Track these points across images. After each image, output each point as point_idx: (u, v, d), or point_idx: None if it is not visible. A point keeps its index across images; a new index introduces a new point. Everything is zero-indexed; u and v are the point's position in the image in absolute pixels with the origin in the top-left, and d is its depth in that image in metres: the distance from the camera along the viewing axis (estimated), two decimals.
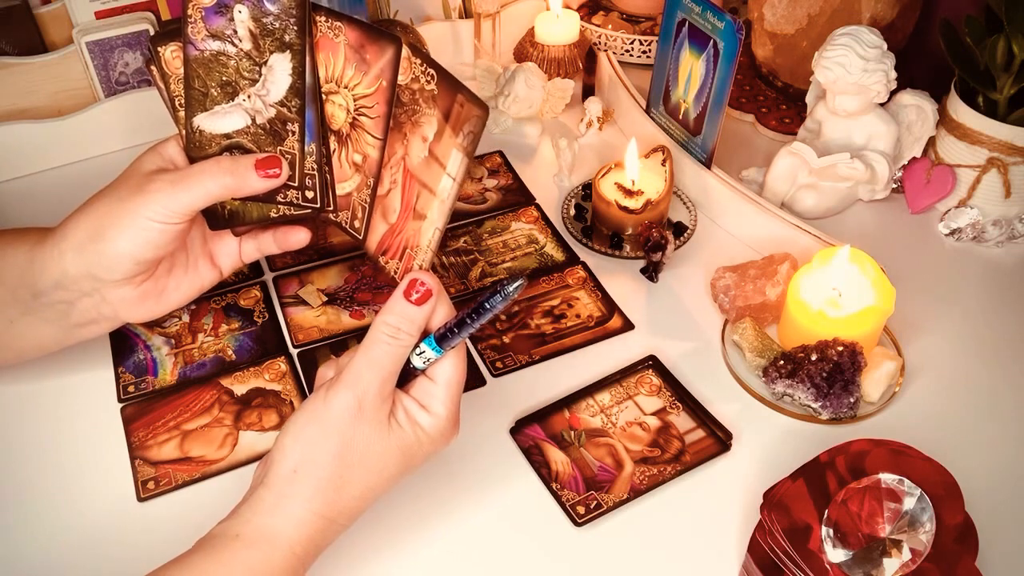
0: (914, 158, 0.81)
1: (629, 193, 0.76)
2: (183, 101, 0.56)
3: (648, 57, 1.00)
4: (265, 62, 0.54)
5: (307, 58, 0.53)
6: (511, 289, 0.48)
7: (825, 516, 0.47)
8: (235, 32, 0.54)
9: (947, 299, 0.73)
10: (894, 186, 0.81)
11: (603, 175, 0.78)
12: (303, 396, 0.64)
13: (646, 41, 0.99)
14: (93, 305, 0.57)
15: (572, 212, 0.80)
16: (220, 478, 0.59)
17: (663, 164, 0.78)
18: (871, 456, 0.50)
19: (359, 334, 0.68)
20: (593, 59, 0.95)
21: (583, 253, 0.76)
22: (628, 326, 0.70)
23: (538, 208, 0.81)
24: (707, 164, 0.79)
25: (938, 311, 0.71)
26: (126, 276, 0.55)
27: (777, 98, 0.95)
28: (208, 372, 0.66)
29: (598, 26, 1.00)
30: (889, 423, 0.63)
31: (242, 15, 0.53)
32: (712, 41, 0.74)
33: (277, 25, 0.53)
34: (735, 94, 0.95)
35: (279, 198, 0.58)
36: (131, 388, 0.64)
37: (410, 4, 0.96)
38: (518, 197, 0.83)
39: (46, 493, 0.58)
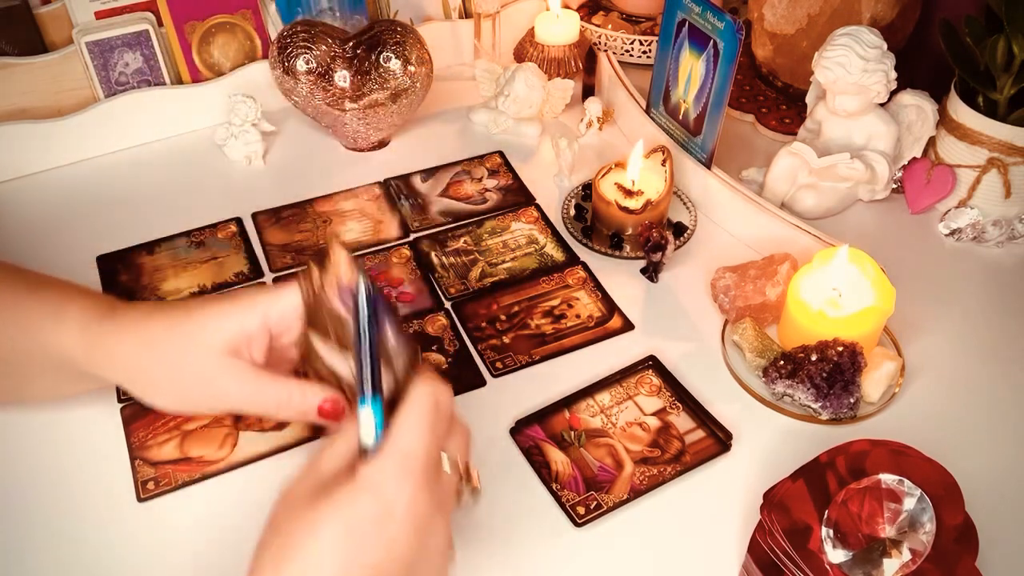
0: (914, 158, 0.81)
1: (629, 193, 0.76)
2: (309, 315, 0.52)
3: (648, 57, 1.00)
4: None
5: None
6: (362, 290, 0.45)
7: (825, 516, 0.47)
8: (375, 315, 0.48)
9: (947, 299, 0.73)
10: (894, 186, 0.81)
11: (603, 175, 0.78)
12: None
13: (646, 41, 0.99)
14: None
15: (572, 212, 0.80)
16: (220, 478, 0.59)
17: (663, 164, 0.78)
18: (871, 456, 0.50)
19: None
20: (593, 59, 0.95)
21: (583, 253, 0.76)
22: (628, 326, 0.70)
23: (538, 208, 0.81)
24: (707, 164, 0.79)
25: (938, 311, 0.71)
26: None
27: (777, 98, 0.95)
28: None
29: (598, 26, 1.00)
30: (889, 423, 0.63)
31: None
32: (712, 41, 0.74)
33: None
34: (735, 94, 0.95)
35: None
36: None
37: (410, 4, 0.96)
38: (518, 197, 0.83)
39: (46, 493, 0.58)
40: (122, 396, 0.64)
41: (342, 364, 0.51)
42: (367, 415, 0.44)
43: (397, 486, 0.41)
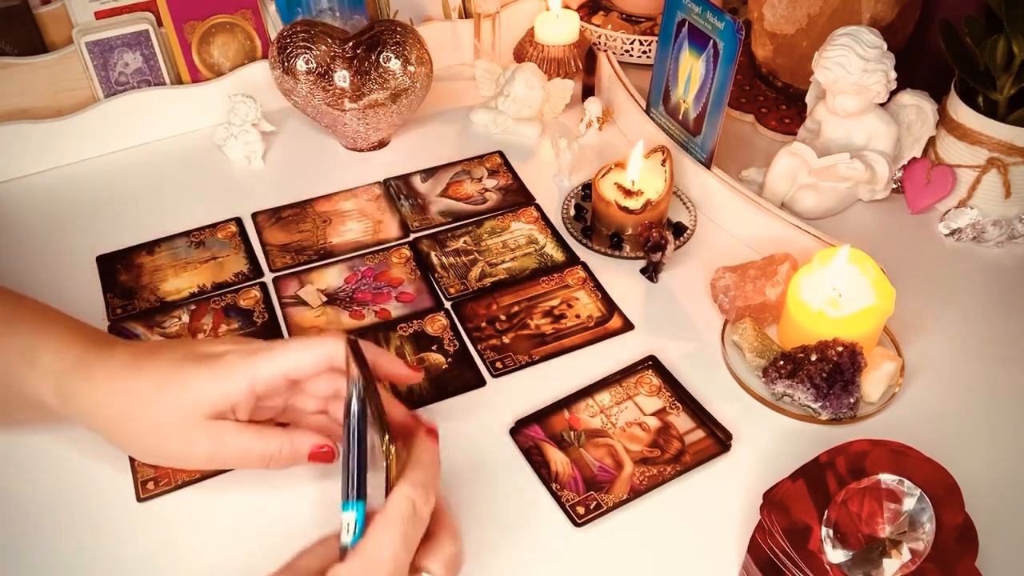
0: (914, 158, 0.81)
1: (629, 193, 0.76)
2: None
3: (648, 57, 1.00)
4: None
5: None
6: (354, 403, 0.46)
7: (825, 516, 0.47)
8: (365, 419, 0.48)
9: (947, 299, 0.73)
10: (894, 186, 0.81)
11: (603, 175, 0.78)
12: None
13: (646, 41, 0.99)
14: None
15: (572, 212, 0.80)
16: (220, 478, 0.59)
17: (663, 164, 0.78)
18: (871, 456, 0.50)
19: (357, 334, 0.68)
20: (593, 59, 0.95)
21: (583, 253, 0.76)
22: (628, 326, 0.70)
23: (538, 208, 0.81)
24: (707, 164, 0.79)
25: (938, 311, 0.71)
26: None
27: (777, 98, 0.95)
28: None
29: (598, 26, 1.00)
30: (889, 423, 0.63)
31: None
32: (712, 41, 0.74)
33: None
34: (735, 94, 0.95)
35: None
36: None
37: (410, 4, 0.96)
38: (518, 197, 0.83)
39: (46, 493, 0.58)
40: None
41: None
42: (349, 518, 0.44)
43: None
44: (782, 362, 0.63)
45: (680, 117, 0.81)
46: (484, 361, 0.67)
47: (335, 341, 0.52)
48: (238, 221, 0.80)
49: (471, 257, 0.76)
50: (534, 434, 0.62)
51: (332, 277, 0.74)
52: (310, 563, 0.44)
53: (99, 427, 0.52)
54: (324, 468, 0.59)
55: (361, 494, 0.45)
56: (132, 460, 0.60)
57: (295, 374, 0.53)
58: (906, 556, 0.45)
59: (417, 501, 0.44)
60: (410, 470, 0.45)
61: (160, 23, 0.87)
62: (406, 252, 0.77)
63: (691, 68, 0.77)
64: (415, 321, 0.70)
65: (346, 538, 0.44)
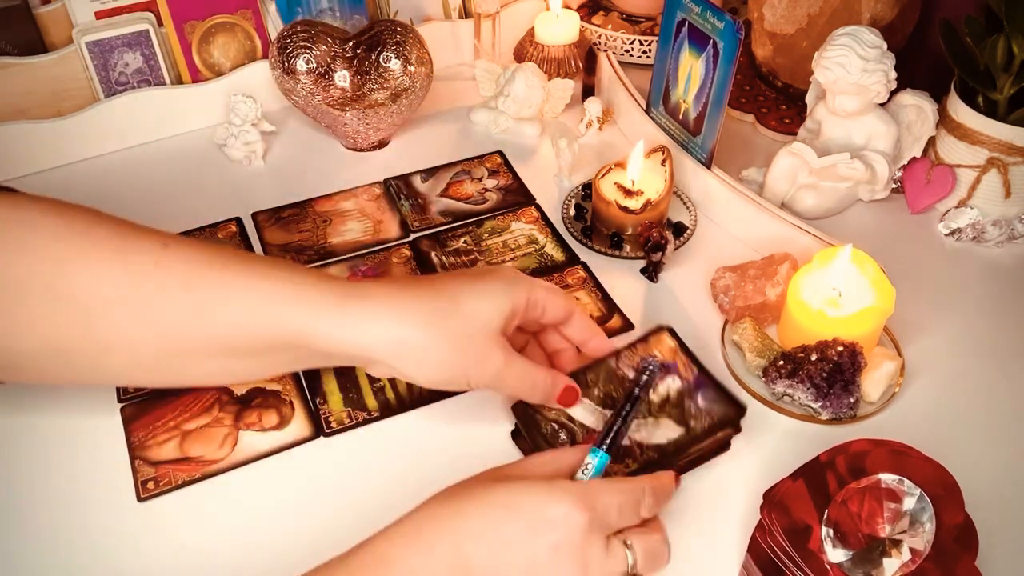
0: (914, 158, 0.81)
1: (629, 193, 0.76)
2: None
3: (648, 57, 1.00)
4: (655, 420, 0.57)
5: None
6: (652, 371, 0.56)
7: (825, 516, 0.47)
8: (650, 390, 0.57)
9: (947, 299, 0.73)
10: (894, 186, 0.81)
11: (603, 175, 0.78)
12: (303, 396, 0.64)
13: (646, 41, 0.99)
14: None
15: (572, 212, 0.80)
16: (220, 478, 0.59)
17: (663, 164, 0.78)
18: (871, 456, 0.50)
19: None
20: (593, 59, 0.95)
21: (583, 253, 0.76)
22: (628, 326, 0.70)
23: (538, 208, 0.81)
24: (707, 164, 0.79)
25: (938, 311, 0.71)
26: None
27: (777, 98, 0.95)
28: None
29: (598, 26, 1.00)
30: (889, 423, 0.63)
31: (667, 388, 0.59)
32: (712, 41, 0.74)
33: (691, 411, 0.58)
34: (735, 94, 0.95)
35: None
36: (131, 388, 0.64)
37: (410, 4, 0.96)
38: (518, 197, 0.83)
39: (46, 493, 0.58)
40: (122, 396, 0.64)
41: (586, 413, 0.58)
42: (592, 460, 0.50)
43: (565, 511, 0.44)
44: (782, 362, 0.63)
45: (680, 117, 0.81)
46: None
47: (573, 302, 0.59)
48: (238, 221, 0.80)
49: (471, 257, 0.76)
50: None
51: None
52: (541, 469, 0.49)
53: (389, 349, 0.52)
54: (322, 468, 0.59)
55: (611, 448, 0.52)
56: (132, 460, 0.60)
57: (551, 312, 0.57)
58: (906, 556, 0.45)
59: (647, 491, 0.48)
60: (653, 477, 0.50)
61: (160, 23, 0.87)
62: (406, 252, 0.77)
63: (691, 68, 0.77)
64: None
65: (580, 476, 0.50)
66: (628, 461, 0.55)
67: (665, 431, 0.56)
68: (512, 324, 0.55)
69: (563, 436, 0.57)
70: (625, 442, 0.55)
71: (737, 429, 0.58)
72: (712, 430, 0.57)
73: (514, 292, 0.54)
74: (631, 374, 0.59)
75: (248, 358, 0.54)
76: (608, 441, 0.52)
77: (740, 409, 0.58)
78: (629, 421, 0.54)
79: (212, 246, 0.54)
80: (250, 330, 0.51)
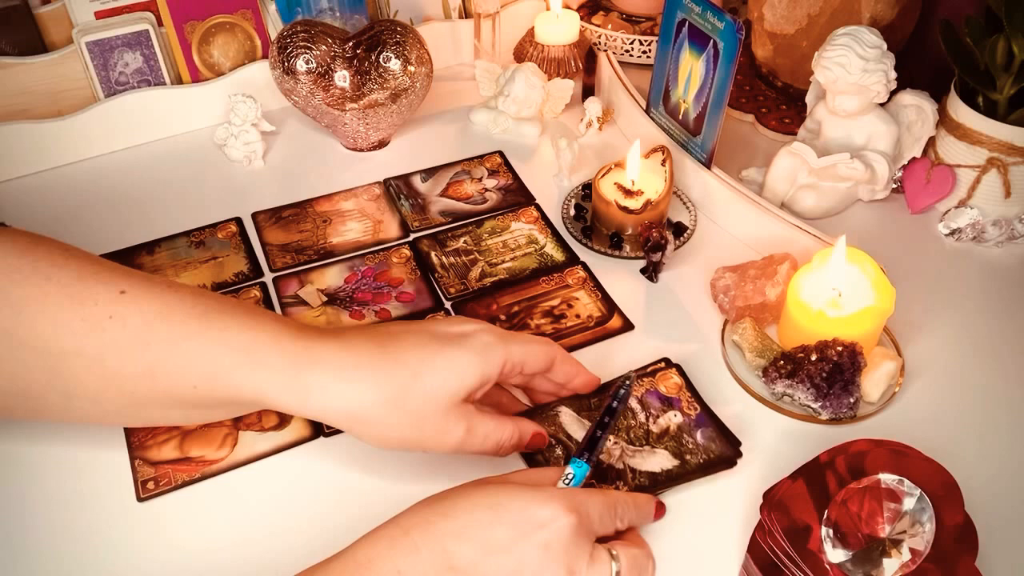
0: (914, 158, 0.81)
1: (629, 193, 0.76)
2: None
3: (648, 57, 1.00)
4: (652, 448, 0.59)
5: None
6: (628, 385, 0.57)
7: (825, 516, 0.47)
8: (627, 403, 0.60)
9: (947, 299, 0.73)
10: (894, 186, 0.81)
11: (603, 175, 0.78)
12: None
13: (646, 41, 0.99)
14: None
15: (572, 212, 0.80)
16: (220, 478, 0.59)
17: (663, 164, 0.78)
18: (871, 456, 0.50)
19: None
20: (593, 59, 0.95)
21: (583, 253, 0.76)
22: (628, 326, 0.70)
23: (538, 208, 0.81)
24: (707, 164, 0.79)
25: (938, 311, 0.71)
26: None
27: (777, 98, 0.95)
28: None
29: (598, 26, 1.00)
30: (889, 423, 0.63)
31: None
32: (712, 41, 0.74)
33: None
34: (735, 94, 0.95)
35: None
36: None
37: (410, 4, 0.96)
38: (518, 197, 0.83)
39: (46, 493, 0.58)
40: None
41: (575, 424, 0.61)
42: (570, 471, 0.51)
43: (551, 513, 0.45)
44: (782, 362, 0.63)
45: (680, 117, 0.81)
46: None
47: (554, 347, 0.58)
48: (238, 221, 0.80)
49: (471, 257, 0.76)
50: None
51: (332, 277, 0.74)
52: (524, 478, 0.50)
53: (340, 421, 0.52)
54: (321, 469, 0.59)
55: (590, 458, 0.53)
56: (132, 460, 0.60)
57: (531, 367, 0.56)
58: (906, 556, 0.45)
59: (626, 503, 0.49)
60: (633, 495, 0.52)
61: (160, 23, 0.87)
62: (406, 252, 0.77)
63: (691, 68, 0.77)
64: None
65: (562, 485, 0.51)
66: (619, 484, 0.56)
67: (660, 460, 0.58)
68: (480, 392, 0.54)
69: (559, 452, 0.59)
70: (619, 465, 0.57)
71: (731, 466, 0.59)
72: (706, 467, 0.58)
73: (486, 364, 0.52)
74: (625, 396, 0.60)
75: (212, 408, 0.54)
76: (587, 451, 0.53)
77: (736, 451, 0.59)
78: (607, 433, 0.55)
79: (170, 291, 0.52)
80: (206, 392, 0.51)
